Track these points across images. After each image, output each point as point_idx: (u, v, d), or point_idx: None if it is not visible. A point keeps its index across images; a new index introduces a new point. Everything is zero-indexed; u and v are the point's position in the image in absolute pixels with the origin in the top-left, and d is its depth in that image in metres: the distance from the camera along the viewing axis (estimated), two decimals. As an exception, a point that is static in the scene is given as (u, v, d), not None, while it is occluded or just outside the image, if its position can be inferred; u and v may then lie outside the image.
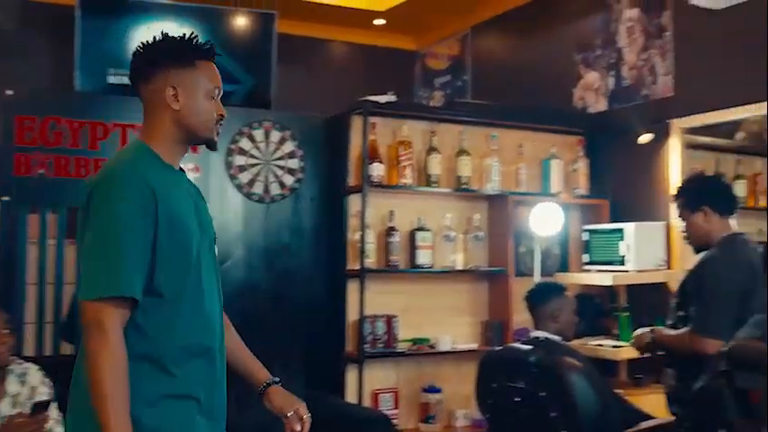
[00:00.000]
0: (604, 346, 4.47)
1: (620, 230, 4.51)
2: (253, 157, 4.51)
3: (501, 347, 3.63)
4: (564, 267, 5.00)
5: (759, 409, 2.15)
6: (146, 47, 2.06)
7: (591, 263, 4.70)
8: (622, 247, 4.47)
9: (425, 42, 6.77)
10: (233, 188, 4.45)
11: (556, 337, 3.46)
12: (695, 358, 2.97)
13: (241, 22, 5.18)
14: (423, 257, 4.46)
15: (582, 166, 4.95)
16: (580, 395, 3.15)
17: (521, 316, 4.02)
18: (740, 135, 5.06)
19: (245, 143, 4.50)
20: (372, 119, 4.40)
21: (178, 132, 2.04)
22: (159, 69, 2.03)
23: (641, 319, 4.56)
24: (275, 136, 4.57)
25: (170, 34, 2.07)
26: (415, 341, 4.48)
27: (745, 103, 4.21)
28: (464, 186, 4.62)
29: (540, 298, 3.55)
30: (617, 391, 3.63)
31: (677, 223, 3.42)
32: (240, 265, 4.41)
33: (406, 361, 4.50)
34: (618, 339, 4.57)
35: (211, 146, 2.12)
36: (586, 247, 4.74)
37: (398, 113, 4.55)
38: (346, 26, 6.39)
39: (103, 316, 1.83)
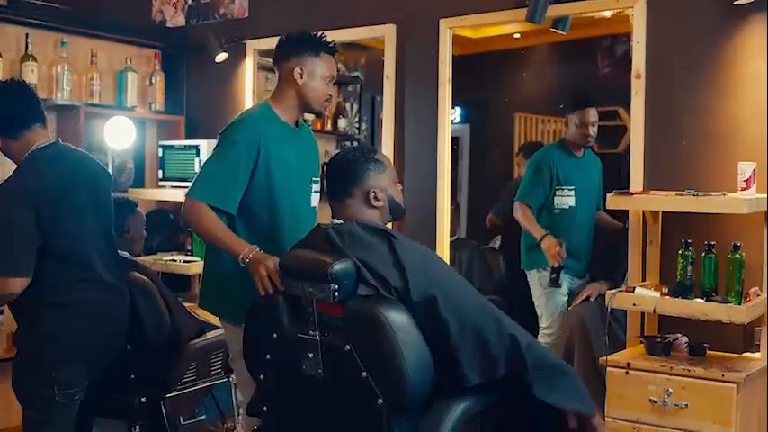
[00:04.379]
0: (177, 261, 4.53)
1: (195, 147, 4.56)
2: None
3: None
4: (139, 183, 4.93)
5: (308, 312, 2.33)
6: (289, 37, 2.86)
7: (166, 179, 4.70)
8: (196, 164, 4.53)
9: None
10: None
11: (124, 253, 3.41)
12: None
13: None
14: (-21, 170, 4.10)
15: (158, 80, 4.88)
16: (146, 309, 3.16)
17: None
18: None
19: None
20: None
21: (296, 100, 2.82)
22: (295, 54, 2.80)
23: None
24: None
25: (306, 32, 2.87)
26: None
27: (314, 31, 4.43)
28: (30, 94, 4.29)
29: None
30: (187, 304, 3.71)
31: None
32: None
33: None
34: (191, 254, 4.66)
35: (319, 115, 2.96)
36: (161, 163, 4.72)
37: (-49, 8, 4.07)
38: None
39: (199, 203, 2.68)
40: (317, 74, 2.81)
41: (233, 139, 2.73)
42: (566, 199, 3.97)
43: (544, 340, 3.89)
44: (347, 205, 2.49)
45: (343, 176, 2.49)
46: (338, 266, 2.26)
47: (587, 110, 3.99)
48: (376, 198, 2.47)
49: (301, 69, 2.79)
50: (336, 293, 2.26)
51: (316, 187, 2.94)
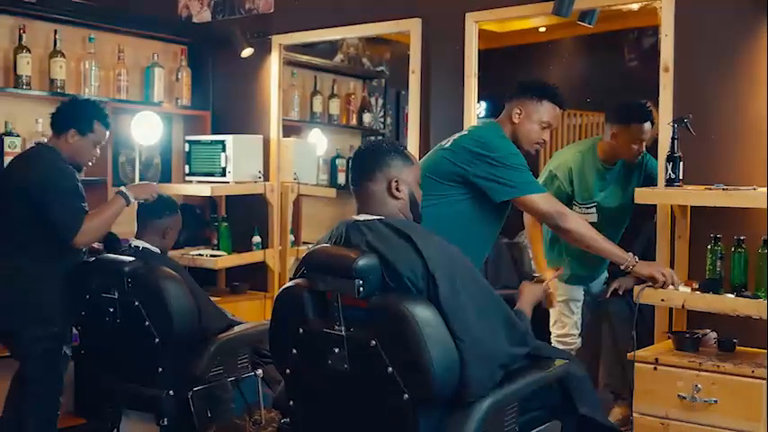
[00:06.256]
0: (204, 256, 4.55)
1: (221, 142, 4.58)
2: None
3: (94, 258, 3.52)
4: (165, 178, 4.96)
5: (333, 308, 2.33)
6: (522, 79, 3.25)
7: (192, 174, 4.72)
8: (223, 159, 4.55)
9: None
10: None
11: (154, 248, 3.43)
12: None
13: None
14: (10, 165, 4.15)
15: (185, 75, 4.90)
16: (175, 303, 3.18)
17: (121, 227, 3.91)
18: (338, 57, 5.38)
19: None
20: (-51, 9, 3.93)
21: (510, 135, 3.10)
22: (520, 95, 3.10)
23: (240, 228, 4.72)
24: None
25: (539, 79, 3.32)
26: None
27: (340, 25, 4.45)
28: (59, 90, 4.33)
29: (156, 213, 3.49)
30: (214, 298, 3.73)
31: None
32: None
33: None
34: (217, 249, 4.68)
35: (527, 154, 3.11)
36: (188, 158, 4.74)
37: (-18, 6, 4.11)
38: None
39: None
40: (533, 117, 3.07)
41: (514, 151, 3.04)
42: (587, 217, 3.50)
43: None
44: (369, 192, 2.46)
45: (368, 161, 2.48)
46: (363, 261, 2.26)
47: (645, 125, 3.61)
48: (398, 189, 2.46)
49: (520, 110, 3.07)
50: (361, 289, 2.26)
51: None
